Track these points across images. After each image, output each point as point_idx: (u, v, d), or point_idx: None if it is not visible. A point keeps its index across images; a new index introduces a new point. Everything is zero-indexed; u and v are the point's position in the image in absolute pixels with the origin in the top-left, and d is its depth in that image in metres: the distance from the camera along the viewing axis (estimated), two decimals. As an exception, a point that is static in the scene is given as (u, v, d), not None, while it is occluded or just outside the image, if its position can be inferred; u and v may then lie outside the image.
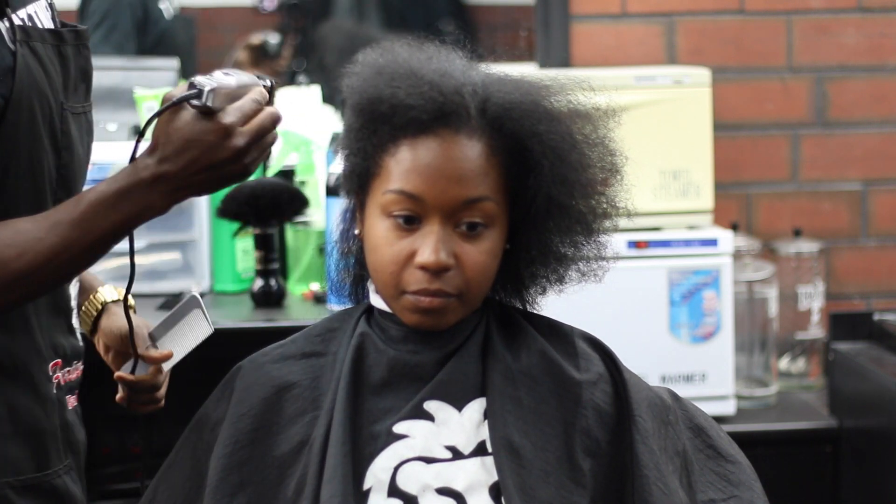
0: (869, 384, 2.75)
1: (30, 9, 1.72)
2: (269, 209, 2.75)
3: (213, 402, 1.74)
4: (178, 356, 1.93)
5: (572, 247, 1.73)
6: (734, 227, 3.00)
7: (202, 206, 2.94)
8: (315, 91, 3.39)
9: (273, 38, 4.10)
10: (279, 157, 3.10)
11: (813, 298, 3.09)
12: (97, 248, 1.64)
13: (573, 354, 1.73)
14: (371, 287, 1.74)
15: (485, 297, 1.72)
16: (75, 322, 1.84)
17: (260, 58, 4.21)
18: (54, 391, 1.77)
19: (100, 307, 1.96)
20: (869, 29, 3.26)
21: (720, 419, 2.44)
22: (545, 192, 1.67)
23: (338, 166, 2.45)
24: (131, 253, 1.73)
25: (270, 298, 2.79)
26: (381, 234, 1.66)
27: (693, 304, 2.80)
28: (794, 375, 3.10)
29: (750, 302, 2.96)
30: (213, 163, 1.60)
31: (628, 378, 1.73)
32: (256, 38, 4.18)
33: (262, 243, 2.79)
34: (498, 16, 4.40)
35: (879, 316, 2.94)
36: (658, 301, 2.79)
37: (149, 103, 2.97)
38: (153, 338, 1.93)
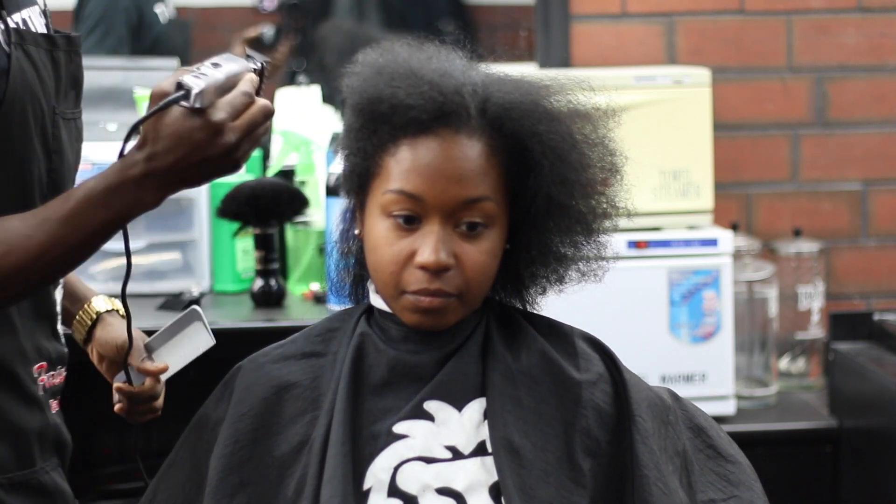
0: (869, 384, 2.75)
1: (24, 13, 1.72)
2: (269, 209, 2.75)
3: (213, 402, 1.74)
4: (176, 367, 1.93)
5: (572, 247, 1.73)
6: (734, 227, 3.00)
7: (202, 206, 2.94)
8: (315, 91, 3.39)
9: (269, 30, 4.09)
10: (279, 157, 3.10)
11: (813, 298, 3.10)
12: (87, 245, 1.62)
13: (573, 354, 1.73)
14: (371, 287, 1.74)
15: (485, 297, 1.72)
16: (60, 328, 1.84)
17: (256, 50, 4.18)
18: (40, 392, 1.77)
19: (94, 317, 1.95)
20: (869, 29, 3.26)
21: (720, 419, 2.44)
22: (545, 192, 1.67)
23: (338, 166, 2.45)
24: (127, 254, 1.71)
25: (270, 298, 2.79)
26: (381, 233, 1.66)
27: (693, 304, 2.80)
28: (794, 375, 3.10)
29: (750, 302, 2.96)
30: (204, 159, 1.58)
31: (628, 378, 1.73)
32: (252, 30, 4.17)
33: (262, 243, 2.79)
34: (498, 16, 4.39)
35: (879, 316, 2.95)
36: (658, 301, 2.79)
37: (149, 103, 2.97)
38: (149, 349, 1.92)
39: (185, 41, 4.16)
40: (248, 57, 1.66)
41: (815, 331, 3.10)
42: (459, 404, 1.67)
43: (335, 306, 2.56)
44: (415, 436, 1.65)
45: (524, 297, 1.77)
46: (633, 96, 2.80)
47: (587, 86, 1.72)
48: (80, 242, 1.61)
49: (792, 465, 2.82)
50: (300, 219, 2.86)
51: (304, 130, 3.14)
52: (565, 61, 3.18)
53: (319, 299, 2.81)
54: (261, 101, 1.62)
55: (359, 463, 1.64)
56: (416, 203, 1.64)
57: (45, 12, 1.78)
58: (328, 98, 3.41)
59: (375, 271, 1.69)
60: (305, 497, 1.62)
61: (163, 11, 4.10)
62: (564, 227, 1.70)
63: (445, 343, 1.69)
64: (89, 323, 1.95)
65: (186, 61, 4.18)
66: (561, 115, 1.69)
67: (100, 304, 1.97)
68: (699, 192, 2.88)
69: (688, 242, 2.82)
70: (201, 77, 1.58)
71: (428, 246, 1.63)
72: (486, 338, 1.71)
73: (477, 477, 1.63)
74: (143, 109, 3.00)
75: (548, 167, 1.66)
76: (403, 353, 1.69)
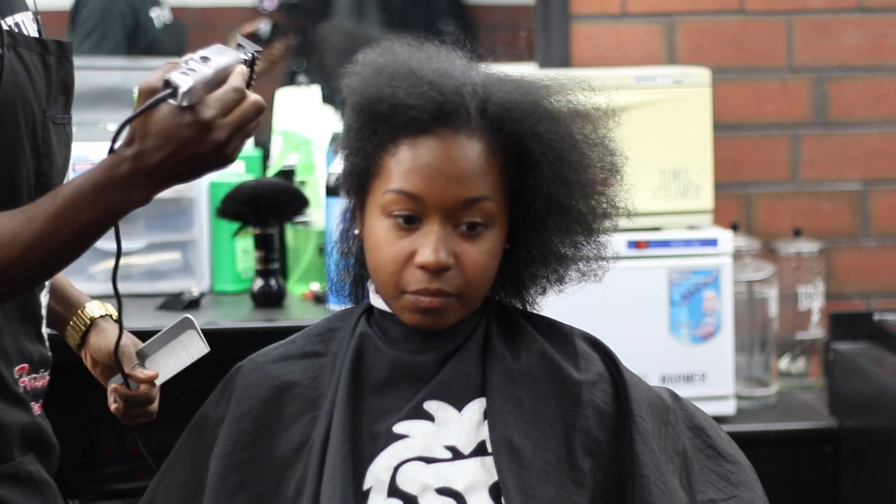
0: (869, 384, 2.75)
1: (17, 17, 1.73)
2: (269, 209, 2.75)
3: (212, 402, 1.74)
4: (168, 374, 1.92)
5: (572, 247, 1.73)
6: (734, 227, 3.00)
7: (202, 206, 2.94)
8: (315, 91, 3.39)
9: (265, 25, 4.08)
10: (279, 157, 3.10)
11: (813, 298, 3.10)
12: (75, 243, 1.61)
13: (573, 354, 1.73)
14: (371, 287, 1.74)
15: (485, 297, 1.72)
16: (45, 331, 1.83)
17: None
18: (21, 391, 1.76)
19: (88, 322, 1.95)
20: (869, 29, 3.26)
21: (720, 419, 2.44)
22: (545, 192, 1.67)
23: (338, 166, 2.44)
24: (118, 250, 1.70)
25: (270, 298, 2.79)
26: (381, 233, 1.66)
27: (693, 304, 2.80)
28: (794, 375, 3.10)
29: (750, 302, 2.96)
30: (193, 156, 1.57)
31: (628, 378, 1.73)
32: (249, 26, 4.17)
33: (262, 243, 2.79)
34: (498, 16, 4.39)
35: (879, 316, 2.95)
36: (658, 301, 2.79)
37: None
38: (142, 355, 1.92)
39: (179, 45, 4.15)
40: (238, 46, 1.64)
41: (815, 331, 3.10)
42: (459, 404, 1.67)
43: (335, 306, 2.56)
44: (415, 436, 1.65)
45: (524, 297, 1.77)
46: (633, 96, 2.80)
47: (587, 86, 1.72)
48: (68, 240, 1.59)
49: (792, 465, 2.82)
50: (300, 219, 2.86)
51: (304, 130, 3.14)
52: (565, 61, 3.18)
53: (319, 299, 2.81)
54: (251, 97, 1.60)
55: (359, 463, 1.64)
56: (415, 203, 1.64)
57: (37, 19, 1.78)
58: (328, 98, 3.41)
59: (375, 271, 1.69)
60: (305, 497, 1.62)
61: (158, 15, 4.10)
62: (564, 227, 1.70)
63: (445, 343, 1.69)
64: (83, 328, 1.95)
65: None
66: (561, 115, 1.69)
67: (94, 309, 1.96)
68: (699, 192, 2.88)
69: (688, 242, 2.82)
70: (189, 73, 1.56)
71: (428, 246, 1.63)
72: (486, 338, 1.71)
73: (477, 477, 1.63)
74: (140, 108, 3.00)
75: (548, 167, 1.66)
76: (403, 353, 1.69)
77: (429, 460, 1.64)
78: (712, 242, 2.82)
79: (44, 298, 1.82)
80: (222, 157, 1.59)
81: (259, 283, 2.79)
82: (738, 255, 2.91)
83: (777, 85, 3.25)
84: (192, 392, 1.92)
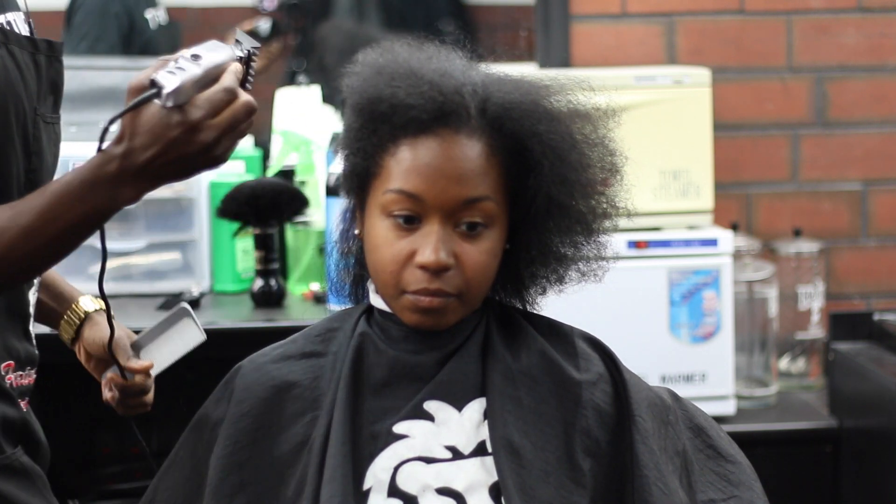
0: (869, 384, 2.75)
1: (9, 16, 1.72)
2: (269, 209, 2.75)
3: (212, 402, 1.74)
4: (164, 364, 1.93)
5: (572, 247, 1.73)
6: (734, 227, 3.00)
7: (202, 206, 2.94)
8: (315, 91, 3.39)
9: (265, 23, 4.08)
10: (279, 157, 3.10)
11: (813, 298, 3.10)
12: (63, 239, 1.59)
13: (573, 354, 1.73)
14: (371, 287, 1.74)
15: (485, 297, 1.72)
16: (32, 329, 1.83)
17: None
18: (7, 388, 1.76)
19: (82, 316, 1.95)
20: (869, 29, 3.26)
21: (720, 419, 2.44)
22: (545, 192, 1.67)
23: (338, 166, 2.44)
24: (103, 249, 1.69)
25: (270, 298, 2.79)
26: (381, 233, 1.66)
27: (693, 304, 2.80)
28: (794, 375, 3.10)
29: (750, 302, 2.96)
30: (180, 156, 1.55)
31: (628, 378, 1.73)
32: (248, 23, 4.17)
33: (262, 243, 2.79)
34: (498, 16, 4.39)
35: (879, 316, 2.95)
36: (658, 301, 2.79)
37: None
38: (137, 346, 1.92)
39: (175, 46, 4.15)
40: (236, 42, 1.61)
41: (815, 331, 3.10)
42: (459, 404, 1.67)
43: (335, 306, 2.56)
44: (415, 436, 1.65)
45: (524, 297, 1.77)
46: (633, 96, 2.80)
47: (587, 86, 1.72)
48: (56, 237, 1.58)
49: (792, 465, 2.82)
50: (300, 219, 2.86)
51: (304, 130, 3.14)
52: (565, 61, 3.18)
53: (319, 299, 2.81)
54: (243, 98, 1.57)
55: (359, 463, 1.64)
56: (416, 203, 1.64)
57: (29, 20, 1.78)
58: (328, 98, 3.41)
59: (375, 271, 1.69)
60: (305, 497, 1.62)
61: (153, 17, 4.10)
62: (564, 227, 1.70)
63: (445, 343, 1.69)
64: (77, 322, 1.95)
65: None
66: (561, 115, 1.69)
67: (87, 303, 1.97)
68: (699, 192, 2.88)
69: (688, 242, 2.82)
70: (177, 73, 1.53)
71: (428, 246, 1.63)
72: (486, 338, 1.71)
73: (477, 477, 1.63)
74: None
75: (548, 167, 1.66)
76: (403, 353, 1.69)
77: (429, 460, 1.64)
78: (712, 242, 2.82)
79: (32, 296, 1.81)
80: (211, 157, 1.57)
81: (259, 283, 2.79)
82: (738, 255, 2.91)
83: (777, 85, 3.25)
84: (191, 391, 1.93)
